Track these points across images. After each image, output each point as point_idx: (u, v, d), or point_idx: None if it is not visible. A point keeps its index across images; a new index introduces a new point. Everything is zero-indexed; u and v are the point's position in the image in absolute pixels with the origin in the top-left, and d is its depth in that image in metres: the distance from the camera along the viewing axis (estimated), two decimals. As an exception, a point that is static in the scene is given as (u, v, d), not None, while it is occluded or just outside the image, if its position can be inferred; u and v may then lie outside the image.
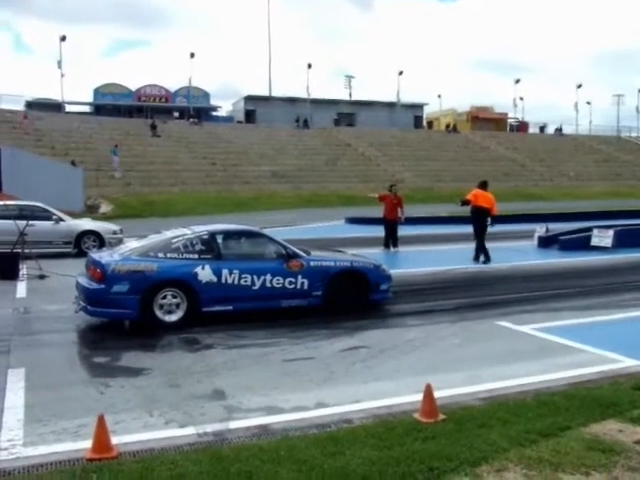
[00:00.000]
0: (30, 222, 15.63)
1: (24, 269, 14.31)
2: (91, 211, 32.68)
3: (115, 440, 5.19)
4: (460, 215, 29.53)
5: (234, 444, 5.35)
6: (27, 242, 14.94)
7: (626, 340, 8.92)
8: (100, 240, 18.26)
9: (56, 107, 59.70)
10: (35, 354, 8.33)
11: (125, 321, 9.64)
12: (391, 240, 19.18)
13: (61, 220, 18.57)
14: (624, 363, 7.78)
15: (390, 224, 19.26)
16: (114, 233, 18.76)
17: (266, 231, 11.90)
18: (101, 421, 5.08)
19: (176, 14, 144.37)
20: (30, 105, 62.60)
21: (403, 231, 19.71)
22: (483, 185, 16.68)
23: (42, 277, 13.97)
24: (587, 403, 6.22)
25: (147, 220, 29.67)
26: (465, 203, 16.65)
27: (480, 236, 16.47)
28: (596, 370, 7.49)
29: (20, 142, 41.62)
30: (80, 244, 18.17)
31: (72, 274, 11.22)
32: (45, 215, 18.32)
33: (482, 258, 16.33)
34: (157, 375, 7.44)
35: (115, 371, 7.69)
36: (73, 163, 38.13)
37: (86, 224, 19.51)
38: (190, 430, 5.68)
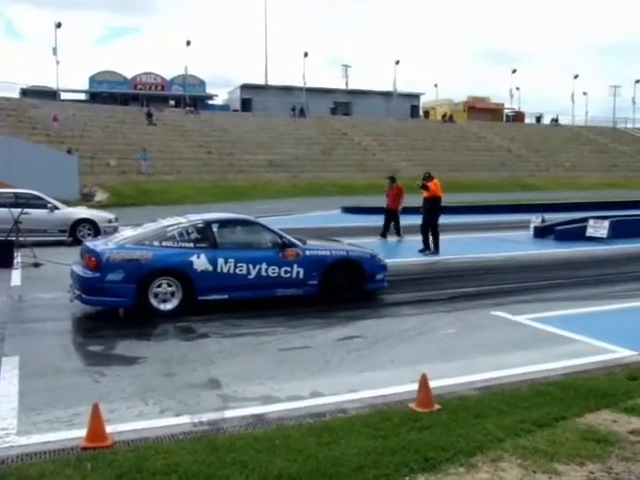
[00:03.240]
0: (25, 210, 15.60)
1: (19, 257, 14.24)
2: (86, 199, 32.57)
3: (110, 429, 5.18)
4: (453, 205, 29.59)
5: (229, 433, 5.35)
6: (22, 230, 14.87)
7: (621, 330, 8.93)
8: (95, 228, 18.22)
9: (51, 95, 59.31)
10: (30, 342, 8.30)
11: (120, 309, 9.62)
12: (395, 229, 19.43)
13: (56, 208, 18.55)
14: (619, 353, 7.80)
15: (392, 214, 19.46)
16: (109, 222, 18.72)
17: (262, 220, 11.86)
18: (96, 410, 5.07)
19: (172, 2, 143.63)
20: (25, 93, 62.29)
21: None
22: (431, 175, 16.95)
23: (37, 265, 13.93)
24: (582, 393, 6.23)
25: (142, 208, 29.61)
26: (424, 187, 16.48)
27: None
28: (591, 360, 7.51)
29: (15, 130, 41.50)
30: (75, 232, 18.14)
31: (67, 262, 11.19)
32: (40, 203, 18.29)
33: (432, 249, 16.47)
34: (152, 364, 7.42)
35: (110, 360, 7.67)
36: (69, 151, 37.97)
37: (81, 212, 19.48)
38: (185, 419, 5.67)
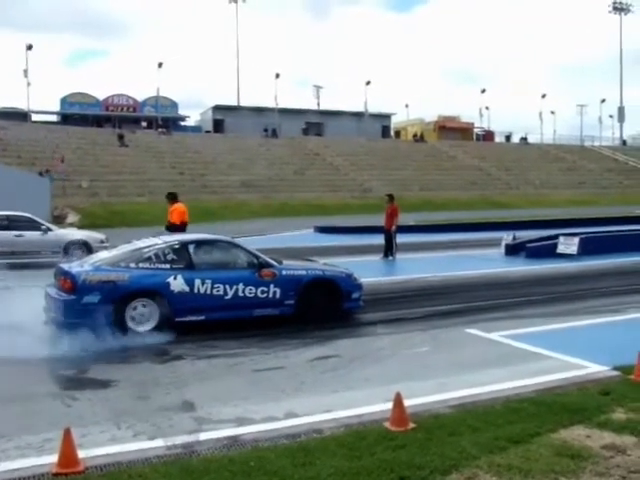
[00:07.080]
0: (19, 233, 16.32)
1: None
2: (58, 221, 32.12)
3: (82, 454, 5.10)
4: (426, 224, 29.80)
5: (203, 456, 5.30)
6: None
7: (593, 346, 9.02)
8: (88, 249, 18.10)
9: (22, 116, 58.86)
10: (-1, 367, 8.15)
11: (95, 332, 9.50)
12: (388, 249, 19.44)
13: (49, 230, 18.77)
14: (591, 369, 7.86)
15: (386, 233, 19.56)
16: (101, 242, 18.70)
17: (237, 240, 11.83)
18: (67, 435, 4.99)
19: (144, 24, 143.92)
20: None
21: (368, 240, 19.83)
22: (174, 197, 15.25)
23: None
24: (555, 409, 6.27)
25: (115, 230, 29.30)
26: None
27: None
28: (564, 376, 7.56)
29: (-16, 152, 41.00)
30: (69, 253, 18.00)
31: (38, 284, 11.02)
32: (33, 225, 18.50)
33: None
34: (125, 387, 7.35)
35: (82, 383, 7.59)
36: (41, 174, 37.63)
37: (74, 233, 19.72)
38: (159, 442, 5.60)
